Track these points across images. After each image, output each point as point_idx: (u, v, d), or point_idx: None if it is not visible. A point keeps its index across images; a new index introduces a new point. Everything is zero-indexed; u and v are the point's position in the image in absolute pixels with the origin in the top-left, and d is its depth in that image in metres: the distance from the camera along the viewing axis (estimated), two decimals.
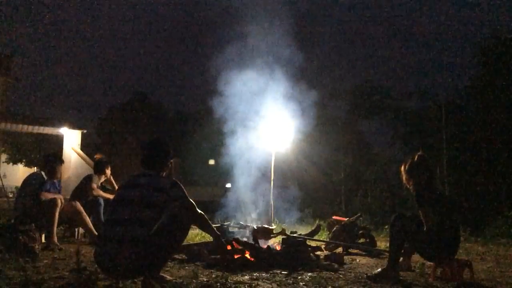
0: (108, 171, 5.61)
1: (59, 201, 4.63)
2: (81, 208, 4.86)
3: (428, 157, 3.65)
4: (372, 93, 14.86)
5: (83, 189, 5.33)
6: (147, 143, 3.01)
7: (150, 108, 29.58)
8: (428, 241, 3.26)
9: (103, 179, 5.58)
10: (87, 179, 5.38)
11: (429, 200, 3.31)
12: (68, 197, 5.42)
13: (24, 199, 4.69)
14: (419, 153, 3.62)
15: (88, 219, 4.86)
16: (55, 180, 4.99)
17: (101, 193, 5.34)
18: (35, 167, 19.74)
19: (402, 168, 3.68)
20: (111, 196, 5.27)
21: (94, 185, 5.30)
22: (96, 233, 4.70)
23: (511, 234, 7.04)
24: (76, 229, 5.44)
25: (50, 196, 4.70)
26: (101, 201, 5.24)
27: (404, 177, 3.65)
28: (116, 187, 5.54)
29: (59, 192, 5.01)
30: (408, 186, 3.65)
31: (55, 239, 4.51)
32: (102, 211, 5.19)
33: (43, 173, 4.88)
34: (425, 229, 3.28)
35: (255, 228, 4.71)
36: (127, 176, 2.90)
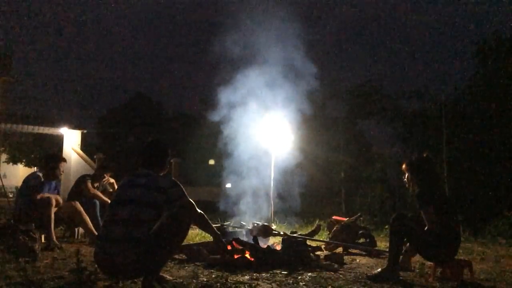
0: (106, 177, 5.59)
1: (52, 200, 4.59)
2: (81, 208, 4.85)
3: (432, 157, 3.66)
4: (372, 93, 14.86)
5: (77, 190, 5.29)
6: (146, 144, 3.01)
7: (150, 108, 29.60)
8: (428, 241, 3.26)
9: (100, 181, 5.56)
10: (81, 181, 5.35)
11: (431, 200, 3.30)
12: (67, 196, 5.42)
13: (22, 200, 4.69)
14: (425, 153, 3.63)
15: (88, 219, 4.85)
16: (53, 181, 4.94)
17: (98, 193, 5.33)
18: (35, 167, 19.75)
19: (404, 166, 3.67)
20: (107, 199, 5.26)
21: (89, 185, 5.27)
22: (96, 233, 4.70)
23: (511, 234, 7.03)
24: (76, 229, 5.43)
25: (45, 195, 4.68)
26: (96, 201, 5.23)
27: (406, 176, 3.64)
28: None
29: (58, 193, 4.98)
30: (408, 185, 3.65)
31: (54, 238, 4.50)
32: (98, 211, 5.18)
33: (40, 174, 4.84)
34: (426, 228, 3.28)
35: (254, 225, 4.71)
36: (127, 176, 2.90)
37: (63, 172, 5.03)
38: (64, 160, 5.12)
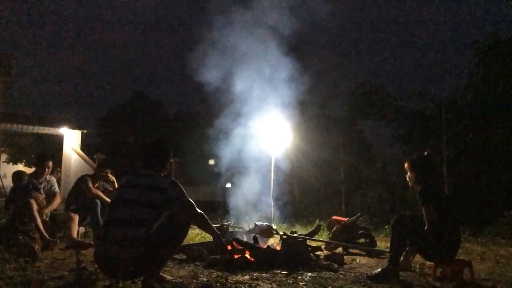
0: (106, 175, 5.56)
1: (31, 201, 4.55)
2: (75, 218, 4.84)
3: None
4: (372, 93, 14.86)
5: (77, 190, 5.26)
6: (147, 144, 3.02)
7: (150, 108, 29.60)
8: (429, 241, 3.26)
9: (100, 180, 5.54)
10: (81, 181, 5.32)
11: (433, 199, 3.30)
12: (67, 196, 5.40)
13: (12, 206, 4.70)
14: (428, 152, 3.63)
15: (75, 227, 4.80)
16: (30, 185, 4.87)
17: (99, 193, 5.30)
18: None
19: (406, 165, 3.66)
20: (107, 199, 5.23)
21: (90, 185, 5.25)
22: (75, 240, 4.66)
23: (511, 234, 7.03)
24: (76, 230, 5.41)
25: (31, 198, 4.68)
26: (97, 201, 5.21)
27: (409, 173, 3.63)
28: None
29: (39, 192, 4.90)
30: (411, 184, 3.63)
31: (46, 235, 4.45)
32: (99, 211, 5.16)
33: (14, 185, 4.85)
34: (425, 227, 3.28)
35: (256, 226, 4.71)
36: (127, 176, 2.89)
37: (48, 171, 4.99)
38: (50, 158, 5.04)
